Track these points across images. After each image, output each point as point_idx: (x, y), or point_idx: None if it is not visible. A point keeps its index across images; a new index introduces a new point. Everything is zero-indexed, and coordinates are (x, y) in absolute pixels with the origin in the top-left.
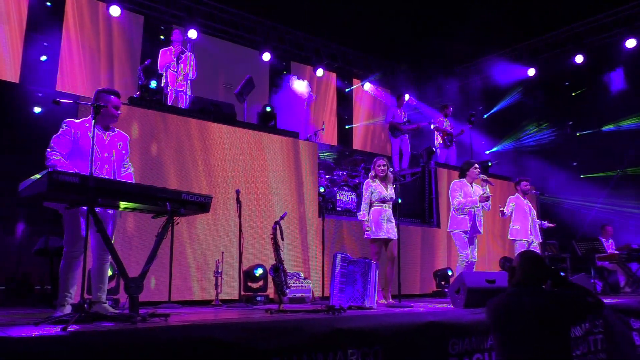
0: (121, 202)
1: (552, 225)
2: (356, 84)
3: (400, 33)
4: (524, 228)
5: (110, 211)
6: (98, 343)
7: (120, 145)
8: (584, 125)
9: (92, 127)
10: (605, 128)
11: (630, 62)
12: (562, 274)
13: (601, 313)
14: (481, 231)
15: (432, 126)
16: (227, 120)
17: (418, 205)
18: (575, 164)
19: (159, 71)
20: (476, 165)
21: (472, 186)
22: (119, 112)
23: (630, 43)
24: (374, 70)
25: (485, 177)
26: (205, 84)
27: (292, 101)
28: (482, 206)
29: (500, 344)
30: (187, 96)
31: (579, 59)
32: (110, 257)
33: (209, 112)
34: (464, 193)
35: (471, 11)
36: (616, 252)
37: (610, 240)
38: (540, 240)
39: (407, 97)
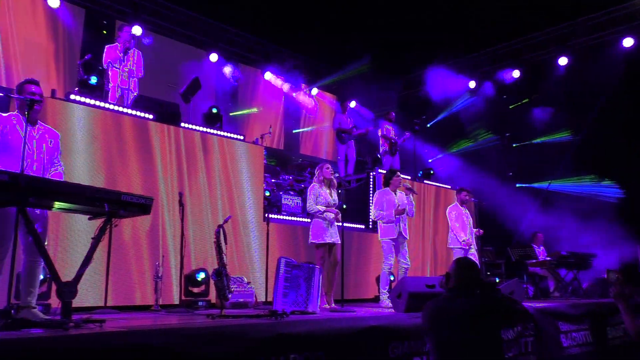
0: (56, 202)
1: (480, 231)
2: (304, 89)
3: (350, 40)
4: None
5: (38, 211)
6: (25, 351)
7: (51, 142)
8: (519, 137)
9: (22, 121)
10: (536, 140)
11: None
12: (496, 279)
13: (527, 321)
14: (407, 237)
15: (379, 132)
16: (171, 120)
17: (362, 211)
18: (510, 173)
19: (103, 66)
20: (398, 174)
21: (395, 194)
22: (39, 98)
23: (563, 61)
24: (322, 75)
25: (408, 185)
26: (151, 84)
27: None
28: (407, 213)
29: (434, 346)
30: (133, 94)
31: (516, 73)
32: (41, 259)
33: (152, 112)
34: (387, 201)
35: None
36: (547, 258)
37: (542, 247)
38: (477, 248)
39: (353, 104)
